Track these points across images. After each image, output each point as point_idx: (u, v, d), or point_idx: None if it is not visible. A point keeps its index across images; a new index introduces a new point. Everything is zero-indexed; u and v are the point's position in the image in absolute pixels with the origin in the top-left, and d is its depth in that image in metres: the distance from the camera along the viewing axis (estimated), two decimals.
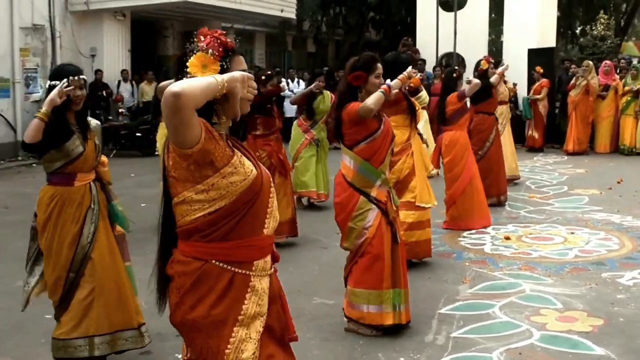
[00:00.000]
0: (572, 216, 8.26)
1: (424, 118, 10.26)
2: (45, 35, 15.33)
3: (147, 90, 16.17)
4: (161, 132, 8.15)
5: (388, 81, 4.62)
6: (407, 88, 6.09)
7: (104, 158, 4.34)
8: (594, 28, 28.35)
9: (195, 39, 2.43)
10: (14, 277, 5.99)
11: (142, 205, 8.82)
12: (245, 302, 2.43)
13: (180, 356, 4.27)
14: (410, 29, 22.64)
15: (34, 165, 13.51)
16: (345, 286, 4.75)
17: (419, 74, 7.44)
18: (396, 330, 4.65)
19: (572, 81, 14.16)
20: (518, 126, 13.40)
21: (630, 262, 6.30)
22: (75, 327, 4.02)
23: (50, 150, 4.01)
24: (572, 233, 7.37)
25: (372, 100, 4.45)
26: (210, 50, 2.38)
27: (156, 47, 19.68)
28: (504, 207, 8.83)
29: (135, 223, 4.82)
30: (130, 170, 11.99)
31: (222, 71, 2.39)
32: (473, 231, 7.44)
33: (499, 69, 9.01)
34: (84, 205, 4.07)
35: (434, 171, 8.83)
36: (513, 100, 13.99)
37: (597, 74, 14.37)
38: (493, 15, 20.68)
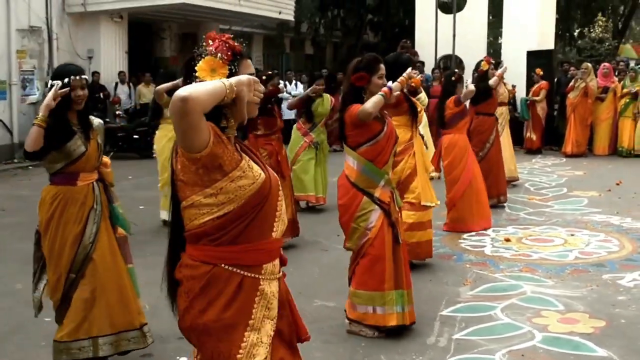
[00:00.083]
0: (572, 218, 8.26)
1: (423, 120, 10.24)
2: (42, 37, 15.30)
3: (145, 92, 16.16)
4: (159, 135, 8.13)
5: (390, 83, 4.60)
6: (408, 88, 6.08)
7: (106, 159, 4.32)
8: (591, 30, 28.45)
9: (203, 43, 2.43)
10: (14, 279, 5.98)
11: (141, 207, 8.79)
12: (255, 305, 2.42)
13: (181, 359, 4.30)
14: (408, 31, 22.65)
15: (30, 167, 13.48)
16: (350, 288, 4.72)
17: (419, 75, 7.42)
18: (398, 332, 4.63)
19: (571, 83, 14.17)
20: (516, 128, 13.40)
21: (630, 263, 6.29)
22: (77, 329, 4.00)
23: (51, 152, 3.98)
24: (572, 235, 7.36)
25: (371, 104, 4.44)
26: (219, 54, 2.38)
27: (153, 49, 19.67)
28: (503, 208, 8.82)
29: (137, 225, 4.79)
30: (128, 172, 11.95)
31: (231, 75, 2.39)
32: (473, 233, 7.42)
33: (499, 71, 9.00)
34: (86, 205, 4.05)
35: (434, 174, 8.83)
36: (512, 102, 13.98)
37: (596, 76, 14.39)
38: (491, 17, 20.69)
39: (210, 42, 2.42)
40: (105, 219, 4.17)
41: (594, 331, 4.66)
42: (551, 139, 14.88)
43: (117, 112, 15.48)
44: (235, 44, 2.43)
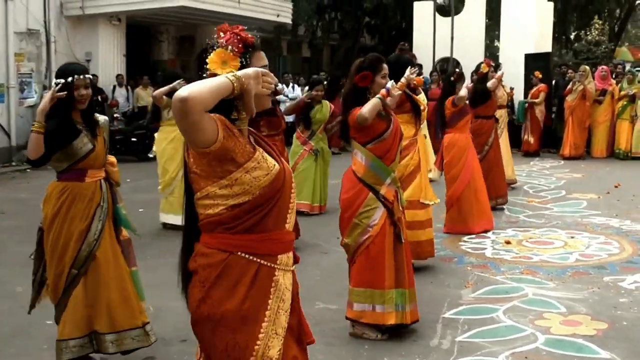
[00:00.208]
0: (571, 220, 8.27)
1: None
2: (40, 40, 15.29)
3: (142, 95, 16.15)
4: (159, 137, 8.11)
5: (389, 84, 4.58)
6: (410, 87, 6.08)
7: (112, 158, 4.32)
8: (588, 33, 28.50)
9: (214, 37, 2.42)
10: (14, 282, 5.96)
11: (140, 210, 8.77)
12: (271, 296, 2.41)
13: None
14: (405, 34, 22.74)
15: (28, 170, 13.45)
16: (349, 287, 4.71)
17: (418, 76, 7.43)
18: (400, 332, 4.63)
19: (569, 86, 14.20)
20: (514, 131, 13.43)
21: (631, 265, 6.30)
22: (77, 326, 4.01)
23: (56, 153, 3.97)
24: (572, 237, 7.37)
25: (368, 108, 4.43)
26: (229, 47, 2.37)
27: (151, 52, 19.67)
28: (503, 211, 8.82)
29: (139, 228, 4.78)
30: (126, 175, 11.86)
31: (242, 67, 2.38)
32: (473, 235, 7.42)
33: (497, 74, 9.00)
34: (94, 202, 4.05)
35: (432, 175, 8.83)
36: (510, 105, 14.00)
37: (593, 79, 14.42)
38: (487, 20, 20.74)
39: (222, 34, 2.41)
40: (109, 218, 4.17)
41: (597, 333, 4.66)
42: (549, 142, 14.90)
43: (115, 115, 15.45)
44: (248, 35, 2.42)
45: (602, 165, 13.14)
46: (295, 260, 2.56)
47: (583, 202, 9.37)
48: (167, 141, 7.91)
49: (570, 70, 15.66)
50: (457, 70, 8.11)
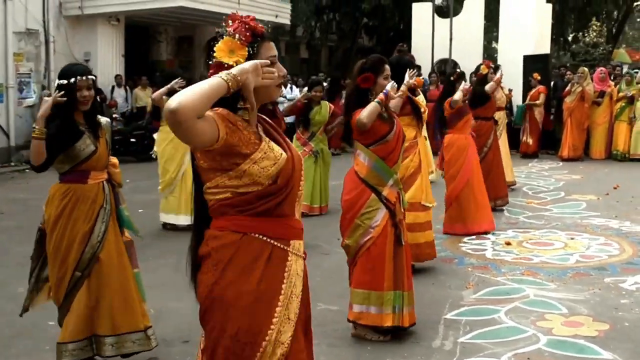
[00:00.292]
0: (571, 222, 8.28)
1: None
2: (39, 40, 15.28)
3: (141, 95, 16.15)
4: (160, 138, 8.11)
5: (388, 87, 4.57)
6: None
7: (114, 160, 4.31)
8: (586, 35, 28.54)
9: (224, 25, 2.42)
10: (15, 283, 5.94)
11: (140, 211, 8.76)
12: (285, 281, 2.41)
13: None
14: (403, 35, 22.76)
15: (27, 170, 13.44)
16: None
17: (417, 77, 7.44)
18: (402, 334, 4.63)
19: (568, 88, 14.22)
20: (512, 132, 13.43)
21: (631, 267, 6.31)
22: (79, 329, 3.99)
23: (59, 156, 3.96)
24: (572, 238, 7.38)
25: (367, 113, 4.43)
26: (237, 35, 2.36)
27: (149, 52, 19.66)
28: (502, 212, 8.83)
29: (142, 229, 4.78)
30: (125, 175, 11.70)
31: (250, 57, 2.37)
32: (473, 237, 7.43)
33: (496, 77, 9.00)
34: (97, 204, 4.04)
35: (434, 176, 8.84)
36: (508, 106, 14.02)
37: (592, 81, 14.44)
38: (485, 22, 20.78)
39: (230, 22, 2.40)
40: (113, 219, 4.16)
41: (599, 334, 4.66)
42: (547, 143, 14.92)
43: (113, 116, 15.42)
44: (257, 25, 2.40)
45: (600, 167, 13.17)
46: (304, 255, 2.56)
47: (582, 204, 9.38)
48: (167, 141, 7.90)
49: (568, 72, 15.69)
50: (458, 70, 8.12)
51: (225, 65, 2.34)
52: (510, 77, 13.36)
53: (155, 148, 8.22)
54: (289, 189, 2.43)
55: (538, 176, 12.09)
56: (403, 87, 5.13)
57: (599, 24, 28.98)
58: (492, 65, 9.42)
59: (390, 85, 4.54)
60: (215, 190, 2.37)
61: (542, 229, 7.87)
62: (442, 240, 7.34)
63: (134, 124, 14.84)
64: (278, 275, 2.40)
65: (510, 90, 14.47)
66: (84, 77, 3.97)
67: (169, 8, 16.00)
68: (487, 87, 8.69)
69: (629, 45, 42.45)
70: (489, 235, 7.50)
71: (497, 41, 24.29)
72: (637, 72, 14.81)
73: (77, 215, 4.00)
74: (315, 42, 26.82)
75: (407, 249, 4.68)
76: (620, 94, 14.27)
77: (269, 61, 2.35)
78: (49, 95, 12.25)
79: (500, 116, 10.25)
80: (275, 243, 2.40)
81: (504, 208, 8.97)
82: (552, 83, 16.03)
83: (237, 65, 2.34)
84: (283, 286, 2.40)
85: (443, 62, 18.62)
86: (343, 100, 16.81)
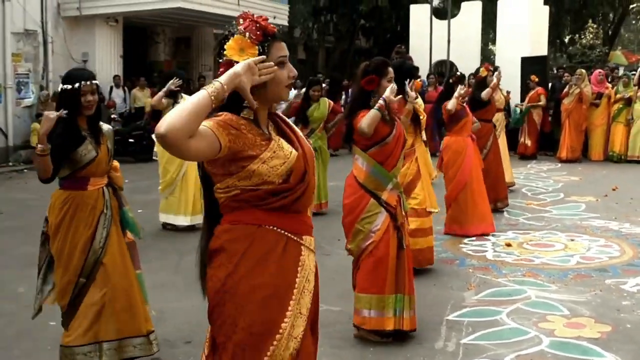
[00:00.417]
0: (571, 223, 8.29)
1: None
2: (37, 41, 15.26)
3: (139, 96, 16.15)
4: None
5: (387, 92, 4.55)
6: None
7: (116, 163, 4.30)
8: (582, 37, 28.63)
9: (234, 22, 2.41)
10: (16, 283, 5.95)
11: (139, 211, 8.73)
12: (298, 275, 2.40)
13: None
14: (400, 36, 22.79)
15: (26, 170, 13.45)
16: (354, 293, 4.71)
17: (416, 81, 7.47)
18: (404, 336, 4.62)
19: (565, 89, 14.25)
20: (510, 134, 13.44)
21: (632, 268, 6.32)
22: (84, 334, 3.97)
23: (63, 164, 3.94)
24: (572, 240, 7.39)
25: (367, 121, 4.43)
26: (247, 34, 2.35)
27: (147, 53, 19.64)
28: (502, 213, 8.84)
29: (144, 229, 4.77)
30: (124, 176, 11.50)
31: (261, 55, 2.35)
32: (474, 238, 7.43)
33: (492, 82, 8.99)
34: (97, 210, 4.03)
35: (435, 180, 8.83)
36: (506, 108, 14.05)
37: (589, 82, 14.47)
38: (482, 24, 20.84)
39: (241, 21, 2.39)
40: (115, 223, 4.15)
41: (601, 336, 4.67)
42: (545, 145, 14.95)
43: (112, 116, 15.43)
44: (268, 25, 2.39)
45: (598, 169, 13.19)
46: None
47: (582, 205, 9.40)
48: None
49: (566, 74, 15.72)
50: (458, 74, 8.13)
51: (235, 64, 2.32)
52: (508, 79, 13.37)
53: (155, 149, 8.22)
54: (305, 185, 2.43)
55: (537, 177, 12.11)
56: (409, 107, 5.27)
57: (595, 26, 29.09)
58: (492, 68, 9.43)
59: (389, 88, 4.53)
60: (227, 189, 2.37)
61: (542, 231, 7.88)
62: (443, 241, 7.34)
63: (132, 125, 14.84)
64: (292, 269, 2.40)
65: (508, 92, 14.52)
66: (88, 82, 3.96)
67: (166, 9, 15.97)
68: (483, 94, 8.68)
69: (625, 47, 42.59)
70: (489, 237, 7.50)
71: (494, 43, 24.37)
72: (634, 74, 14.85)
73: (78, 222, 3.99)
74: (312, 44, 26.83)
75: (408, 253, 4.68)
76: (618, 96, 14.30)
77: (263, 57, 2.33)
78: (47, 96, 12.24)
79: (499, 118, 10.27)
80: (290, 235, 2.40)
81: (503, 209, 8.97)
82: (549, 85, 16.06)
83: None
84: (297, 280, 2.39)
85: (441, 63, 18.67)
86: (343, 100, 16.89)
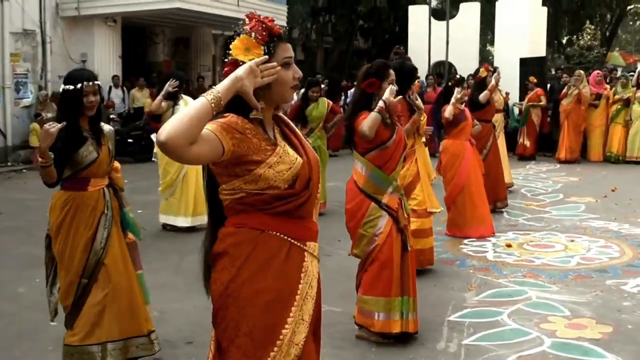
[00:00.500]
0: (570, 224, 8.30)
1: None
2: (35, 41, 15.26)
3: (138, 96, 16.15)
4: None
5: (387, 92, 4.54)
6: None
7: (117, 164, 4.29)
8: (580, 38, 28.68)
9: (240, 22, 2.41)
10: (16, 283, 5.94)
11: (139, 211, 8.72)
12: (301, 281, 2.40)
13: None
14: (398, 37, 22.81)
15: (24, 170, 13.44)
16: (357, 294, 4.71)
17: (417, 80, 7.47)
18: (407, 337, 4.61)
19: (564, 90, 14.27)
20: (509, 134, 13.45)
21: (632, 269, 6.33)
22: (88, 334, 3.97)
23: (66, 166, 3.93)
24: (572, 241, 7.39)
25: (368, 124, 4.42)
26: (253, 34, 2.34)
27: (146, 54, 19.63)
28: (502, 214, 8.85)
29: (145, 230, 4.77)
30: (123, 176, 11.72)
31: (266, 55, 2.35)
32: (474, 239, 7.43)
33: (491, 84, 9.00)
34: (97, 211, 4.02)
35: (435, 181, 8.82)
36: (505, 109, 14.07)
37: (588, 83, 14.49)
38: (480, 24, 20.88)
39: (247, 21, 2.38)
40: (116, 224, 4.14)
41: (602, 337, 4.67)
42: (544, 145, 14.97)
43: (111, 116, 15.41)
44: (275, 25, 2.39)
45: (597, 169, 13.20)
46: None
47: (581, 206, 9.41)
48: None
49: (565, 75, 15.75)
50: (458, 76, 8.13)
51: (240, 63, 2.32)
52: (507, 80, 13.39)
53: (155, 150, 8.21)
54: (310, 191, 2.43)
55: (536, 178, 12.12)
56: (416, 116, 5.36)
57: (592, 27, 29.15)
58: (491, 69, 9.45)
59: (389, 90, 4.51)
60: (232, 191, 2.37)
61: (542, 231, 7.89)
62: (443, 242, 7.35)
63: (131, 125, 14.83)
64: (295, 275, 2.39)
65: (507, 93, 14.55)
66: (90, 83, 3.95)
67: (165, 10, 15.98)
68: (481, 97, 8.68)
69: (622, 48, 42.70)
70: (489, 237, 7.50)
71: (492, 44, 24.39)
72: (632, 75, 14.88)
73: (78, 223, 3.97)
74: (311, 44, 26.84)
75: (412, 254, 4.69)
76: (616, 97, 14.32)
77: (265, 57, 2.32)
78: (46, 96, 12.20)
79: (498, 118, 10.28)
80: (293, 241, 2.40)
81: (503, 210, 8.98)
82: (548, 86, 16.08)
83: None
84: (300, 286, 2.39)
85: (440, 64, 18.69)
86: (342, 101, 16.85)
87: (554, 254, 6.86)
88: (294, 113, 8.83)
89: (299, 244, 2.41)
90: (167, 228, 8.03)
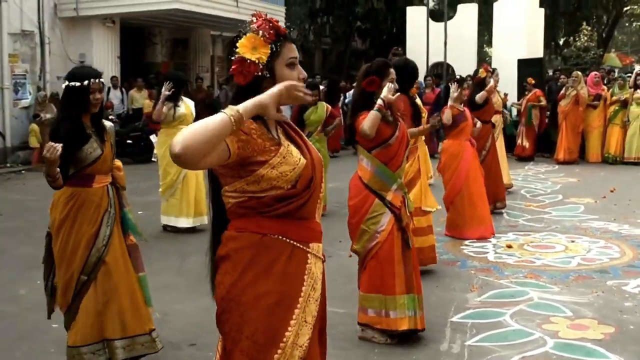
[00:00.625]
0: (570, 224, 8.31)
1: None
2: (34, 41, 15.25)
3: (137, 97, 16.14)
4: (160, 140, 8.12)
5: (385, 90, 4.54)
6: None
7: (118, 162, 4.29)
8: (577, 39, 28.74)
9: (247, 22, 2.41)
10: (17, 284, 5.93)
11: (140, 212, 8.73)
12: (304, 283, 2.39)
13: None
14: (396, 38, 22.86)
15: (23, 172, 13.42)
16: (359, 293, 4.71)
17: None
18: (410, 337, 4.62)
19: (562, 91, 14.29)
20: (506, 135, 13.44)
21: (633, 270, 6.34)
22: (89, 333, 3.97)
23: (70, 165, 3.93)
24: (573, 241, 7.40)
25: (368, 123, 4.42)
26: (261, 32, 2.34)
27: (145, 54, 19.61)
28: (502, 215, 8.86)
29: (144, 231, 4.76)
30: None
31: (272, 54, 2.36)
32: (474, 239, 7.44)
33: (488, 86, 9.01)
34: (101, 208, 4.02)
35: (432, 180, 8.84)
36: (504, 110, 14.06)
37: (585, 84, 14.52)
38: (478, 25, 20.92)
39: (255, 19, 2.38)
40: (117, 223, 4.14)
41: (604, 337, 4.67)
42: (542, 146, 14.98)
43: (110, 117, 15.40)
44: (281, 26, 2.40)
45: (596, 170, 13.22)
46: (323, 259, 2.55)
47: (580, 207, 9.42)
48: (167, 144, 7.89)
49: (562, 76, 15.77)
50: (458, 77, 8.14)
51: (248, 61, 2.33)
52: (505, 81, 13.41)
53: (155, 151, 8.22)
54: (311, 192, 2.41)
55: (535, 179, 12.13)
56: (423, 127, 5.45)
57: (589, 28, 29.22)
58: (490, 70, 9.47)
59: (386, 87, 4.50)
60: (235, 194, 2.36)
61: (542, 232, 7.90)
62: (444, 242, 7.35)
63: (130, 126, 14.81)
64: (298, 277, 2.38)
65: (505, 94, 14.55)
66: (96, 80, 3.97)
67: (164, 10, 15.99)
68: (478, 97, 8.68)
69: (619, 49, 42.80)
70: (490, 238, 7.51)
71: (489, 45, 24.42)
72: (629, 76, 14.91)
73: (82, 219, 3.97)
74: (309, 45, 26.85)
75: (414, 253, 4.69)
76: (614, 98, 14.35)
77: (293, 84, 2.30)
78: (45, 97, 12.18)
79: (497, 119, 10.29)
80: (296, 244, 2.39)
81: (503, 211, 9.00)
82: (546, 87, 16.10)
83: (258, 61, 2.33)
84: (303, 288, 2.38)
85: (438, 65, 18.71)
86: (341, 102, 16.81)
87: (555, 255, 6.87)
88: (293, 116, 8.83)
89: (301, 246, 2.40)
90: (168, 229, 8.03)
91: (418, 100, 8.65)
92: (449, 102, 7.48)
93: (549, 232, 7.92)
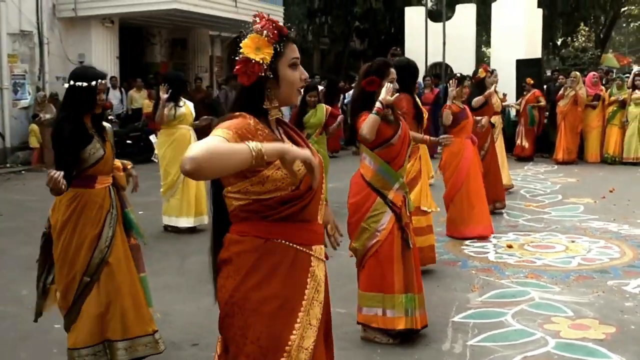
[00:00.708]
0: (570, 224, 8.32)
1: None
2: (33, 42, 15.24)
3: (136, 97, 16.14)
4: (160, 141, 8.12)
5: (383, 91, 4.54)
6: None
7: (118, 163, 4.29)
8: (574, 40, 28.75)
9: (250, 23, 2.41)
10: (18, 285, 5.92)
11: (140, 212, 8.71)
12: (308, 286, 2.39)
13: None
14: (394, 38, 22.86)
15: (23, 172, 13.41)
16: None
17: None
18: (412, 337, 4.63)
19: (561, 92, 14.31)
20: (506, 135, 13.45)
21: (633, 270, 6.35)
22: (90, 335, 3.97)
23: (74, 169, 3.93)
24: (573, 241, 7.41)
25: (367, 127, 4.40)
26: (264, 32, 2.34)
27: (144, 54, 19.60)
28: (502, 215, 8.87)
29: (145, 231, 4.76)
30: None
31: (276, 54, 2.36)
32: (475, 239, 7.45)
33: (487, 91, 9.02)
34: (104, 209, 4.02)
35: (432, 180, 8.83)
36: (502, 110, 14.06)
37: (584, 85, 14.54)
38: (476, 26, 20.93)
39: (258, 20, 2.39)
40: (119, 223, 4.15)
41: (606, 337, 4.68)
42: (542, 147, 15.00)
43: (109, 117, 15.39)
44: (284, 26, 2.40)
45: (595, 170, 13.24)
46: (325, 258, 2.54)
47: (580, 207, 9.44)
48: (167, 144, 7.91)
49: (561, 76, 15.79)
50: (458, 76, 8.14)
51: (252, 61, 2.33)
52: (503, 81, 13.41)
53: (156, 151, 8.23)
54: (313, 192, 2.40)
55: (534, 179, 12.15)
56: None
57: (587, 28, 29.22)
58: (489, 70, 9.48)
59: (384, 88, 4.49)
60: (237, 196, 2.34)
61: (542, 232, 7.91)
62: (444, 242, 7.36)
63: (129, 126, 14.81)
64: (301, 281, 2.38)
65: (504, 95, 14.55)
66: (103, 81, 3.98)
67: (163, 10, 15.98)
68: (474, 102, 8.67)
69: (616, 50, 42.84)
70: (490, 238, 7.52)
71: (487, 45, 24.43)
72: (627, 77, 14.93)
73: (85, 220, 3.97)
74: (307, 45, 26.83)
75: (415, 252, 4.70)
76: (612, 98, 14.37)
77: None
78: (44, 97, 12.19)
79: (496, 120, 10.29)
80: (299, 247, 2.38)
81: (502, 211, 9.01)
82: (545, 87, 16.12)
83: (262, 62, 2.33)
84: (306, 292, 2.38)
85: (437, 65, 18.72)
86: (340, 102, 16.77)
87: (555, 255, 6.88)
88: (293, 119, 8.81)
89: (304, 250, 2.39)
90: (169, 229, 8.03)
91: (418, 101, 8.66)
92: (448, 102, 7.49)
93: (549, 232, 7.93)
